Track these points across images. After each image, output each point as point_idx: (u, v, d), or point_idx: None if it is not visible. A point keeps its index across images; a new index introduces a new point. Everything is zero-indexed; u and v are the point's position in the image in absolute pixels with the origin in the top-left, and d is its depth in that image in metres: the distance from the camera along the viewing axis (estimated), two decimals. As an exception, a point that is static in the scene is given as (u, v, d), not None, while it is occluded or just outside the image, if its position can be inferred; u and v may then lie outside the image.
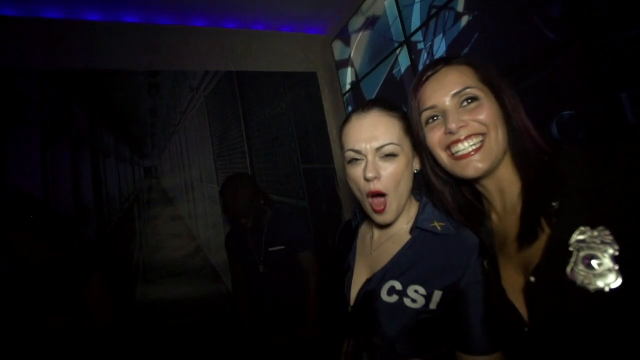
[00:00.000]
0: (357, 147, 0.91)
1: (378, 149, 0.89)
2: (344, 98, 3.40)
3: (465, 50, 2.06)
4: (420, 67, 2.44)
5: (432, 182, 0.91)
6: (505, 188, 0.80)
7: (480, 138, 0.77)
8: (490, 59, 1.92)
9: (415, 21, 2.44)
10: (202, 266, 2.80)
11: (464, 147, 0.77)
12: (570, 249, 0.61)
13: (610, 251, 0.58)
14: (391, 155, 0.89)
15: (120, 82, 2.75)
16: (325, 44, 3.57)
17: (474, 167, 0.77)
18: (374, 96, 2.98)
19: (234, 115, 3.17)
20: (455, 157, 0.79)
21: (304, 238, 2.22)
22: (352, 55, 3.21)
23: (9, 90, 2.38)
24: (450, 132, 0.77)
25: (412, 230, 0.94)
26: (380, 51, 2.83)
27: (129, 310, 2.49)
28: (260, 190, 2.32)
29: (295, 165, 3.29)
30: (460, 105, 0.79)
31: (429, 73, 0.84)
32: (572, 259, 0.61)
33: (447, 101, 0.79)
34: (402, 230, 0.97)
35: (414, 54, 2.49)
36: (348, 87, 3.33)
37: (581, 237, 0.61)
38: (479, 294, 0.82)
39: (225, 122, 3.13)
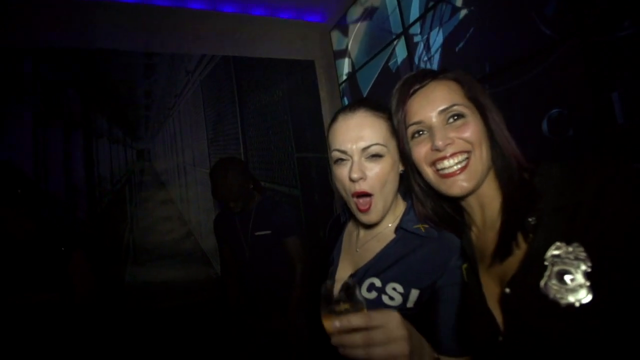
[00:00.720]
0: (343, 148, 0.91)
1: (364, 149, 0.90)
2: (341, 88, 3.39)
3: (460, 45, 2.06)
4: (417, 60, 2.43)
5: (415, 192, 0.92)
6: (486, 204, 0.81)
7: (465, 155, 0.78)
8: (485, 54, 1.92)
9: (414, 13, 2.43)
10: (193, 250, 2.83)
11: (450, 164, 0.78)
12: (546, 263, 0.63)
13: (583, 267, 0.59)
14: (377, 156, 0.90)
15: (115, 63, 2.73)
16: (324, 33, 3.54)
17: (459, 186, 0.78)
18: (369, 87, 2.98)
19: (230, 101, 3.15)
20: (441, 175, 0.80)
21: (291, 224, 2.22)
22: (349, 45, 3.19)
23: (2, 68, 2.36)
24: (436, 149, 0.78)
25: (397, 230, 0.95)
26: (378, 43, 2.82)
27: (118, 290, 2.51)
28: (251, 175, 2.32)
29: (289, 154, 3.30)
30: (447, 122, 0.79)
31: (416, 87, 0.83)
32: (547, 273, 0.62)
33: (433, 117, 0.79)
34: (387, 229, 0.98)
35: (411, 46, 2.48)
36: (344, 77, 3.32)
37: (557, 252, 0.62)
38: (454, 296, 0.84)
39: (220, 108, 3.12)
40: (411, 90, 0.83)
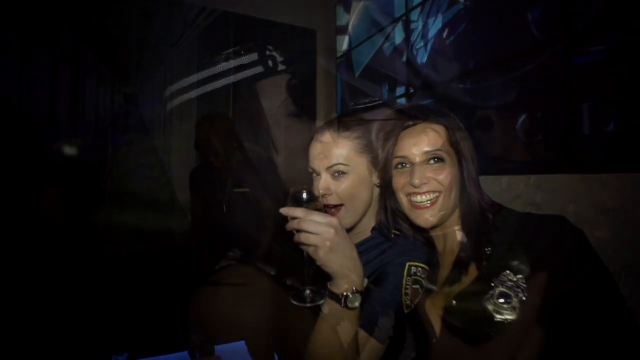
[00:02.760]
0: (312, 165, 1.08)
1: (328, 168, 1.04)
2: (337, 63, 3.38)
3: (452, 39, 2.09)
4: (411, 45, 2.45)
5: (385, 214, 1.06)
6: (448, 234, 0.97)
7: (436, 194, 0.92)
8: (473, 51, 1.96)
9: (418, -4, 2.42)
10: (170, 200, 2.89)
11: (421, 199, 0.93)
12: (492, 284, 0.81)
13: (520, 295, 0.77)
14: (341, 173, 1.03)
15: (112, 3, 2.67)
16: (329, 4, 3.49)
17: (425, 219, 0.93)
18: (361, 68, 3.01)
19: (224, 58, 3.13)
20: (413, 205, 0.95)
21: (272, 184, 2.28)
22: (350, 23, 3.17)
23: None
24: (412, 184, 0.92)
25: (372, 230, 1.10)
26: (377, 24, 2.81)
27: (91, 230, 2.58)
28: (236, 133, 2.35)
29: (278, 119, 3.31)
30: (427, 162, 0.93)
31: (410, 123, 0.97)
32: (491, 292, 0.80)
33: (417, 157, 0.93)
34: (368, 228, 1.11)
35: (409, 31, 2.49)
36: (341, 54, 3.31)
37: (504, 278, 0.80)
38: (387, 282, 0.96)
39: (214, 63, 3.09)
40: (405, 124, 0.97)
